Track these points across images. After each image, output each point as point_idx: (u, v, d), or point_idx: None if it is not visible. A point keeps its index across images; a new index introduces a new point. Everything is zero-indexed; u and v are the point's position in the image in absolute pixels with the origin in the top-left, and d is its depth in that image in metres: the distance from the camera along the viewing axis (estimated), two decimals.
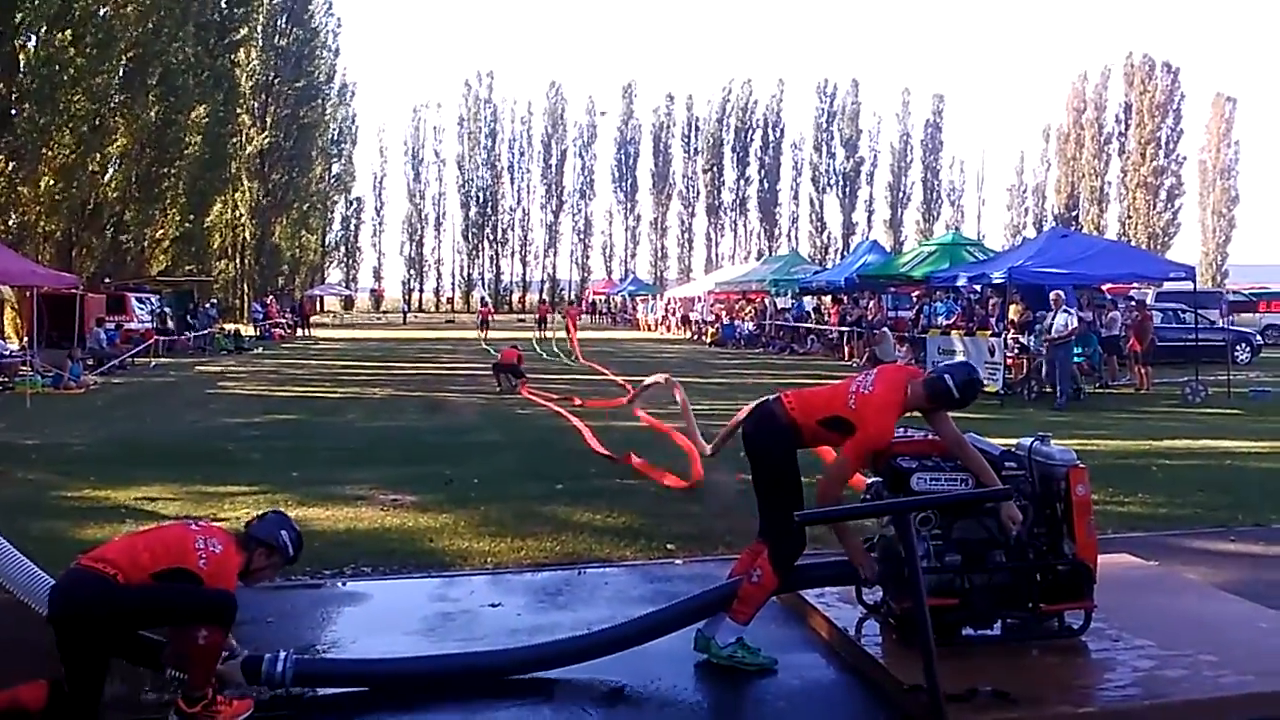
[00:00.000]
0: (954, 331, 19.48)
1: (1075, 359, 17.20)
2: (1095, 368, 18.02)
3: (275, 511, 4.40)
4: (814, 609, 5.07)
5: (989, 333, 18.33)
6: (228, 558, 3.94)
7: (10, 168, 26.38)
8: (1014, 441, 5.00)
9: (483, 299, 72.64)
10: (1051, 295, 16.58)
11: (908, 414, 4.49)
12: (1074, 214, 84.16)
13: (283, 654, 4.14)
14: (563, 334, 37.09)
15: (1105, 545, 5.85)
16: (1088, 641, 4.58)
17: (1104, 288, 25.26)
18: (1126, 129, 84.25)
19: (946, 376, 4.53)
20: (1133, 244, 63.98)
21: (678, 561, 6.34)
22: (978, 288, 22.03)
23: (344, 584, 5.97)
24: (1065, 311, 16.24)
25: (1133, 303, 22.30)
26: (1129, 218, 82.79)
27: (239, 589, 3.94)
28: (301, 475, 9.31)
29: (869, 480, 5.09)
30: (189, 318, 34.38)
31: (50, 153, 27.67)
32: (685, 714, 4.17)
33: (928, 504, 4.44)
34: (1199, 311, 19.80)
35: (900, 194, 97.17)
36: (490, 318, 46.90)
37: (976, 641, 4.56)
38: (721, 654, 4.51)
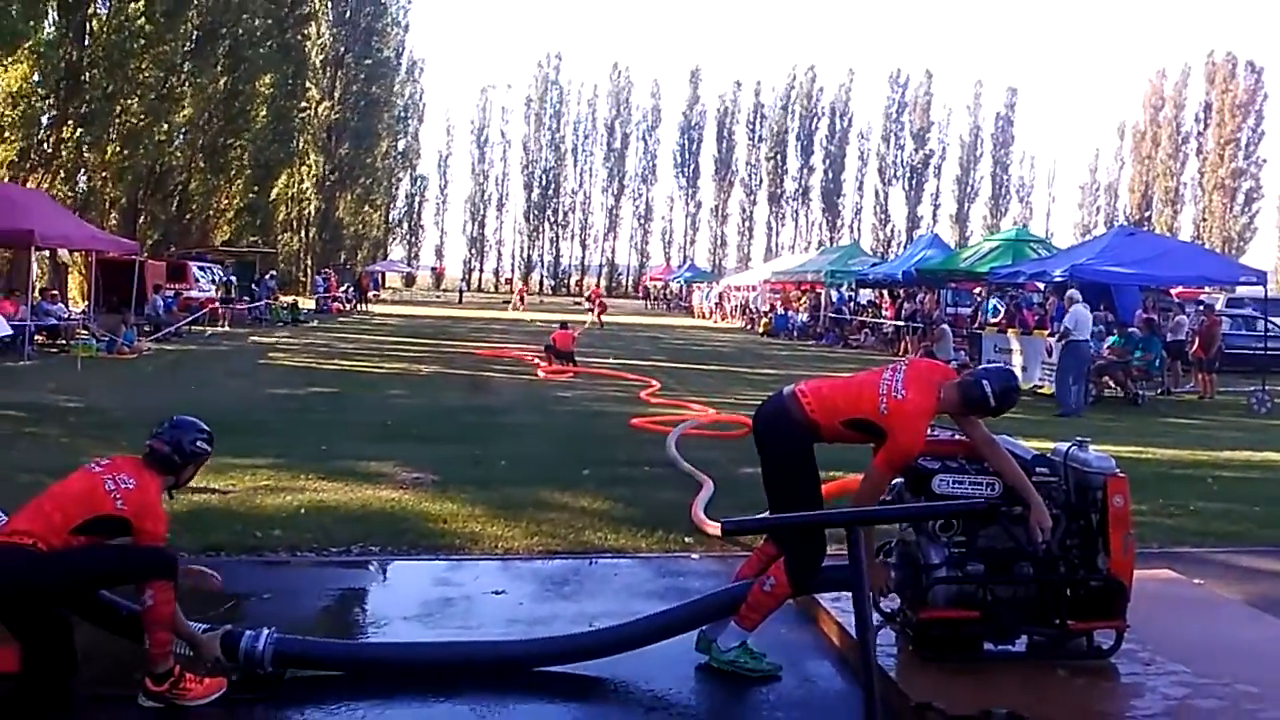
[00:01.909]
0: (1010, 330, 18.93)
1: (1134, 363, 16.57)
2: (1156, 373, 17.36)
3: (175, 420, 4.13)
4: (826, 613, 4.82)
5: (1046, 332, 17.77)
6: (144, 488, 3.79)
7: (79, 133, 26.82)
8: (1050, 445, 4.69)
9: (509, 279, 72.93)
10: (1067, 292, 15.87)
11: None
12: (1147, 214, 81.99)
13: (265, 631, 3.99)
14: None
15: (1148, 559, 5.52)
16: (1118, 664, 4.27)
17: (1172, 291, 24.47)
18: (1205, 129, 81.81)
19: (984, 383, 4.22)
20: (1206, 248, 62.09)
21: (693, 556, 6.10)
22: (1040, 285, 21.43)
23: (347, 562, 5.85)
24: (1078, 306, 15.08)
25: (1201, 307, 21.46)
26: (1204, 220, 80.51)
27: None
28: (329, 449, 9.24)
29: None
30: (252, 286, 34.89)
31: (118, 119, 28.10)
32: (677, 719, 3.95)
33: (882, 519, 4.23)
34: (1270, 319, 19.01)
35: (968, 188, 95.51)
36: (525, 296, 47.32)
37: (998, 658, 4.28)
38: (723, 658, 4.28)
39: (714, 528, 6.49)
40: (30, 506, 3.79)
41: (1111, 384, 16.84)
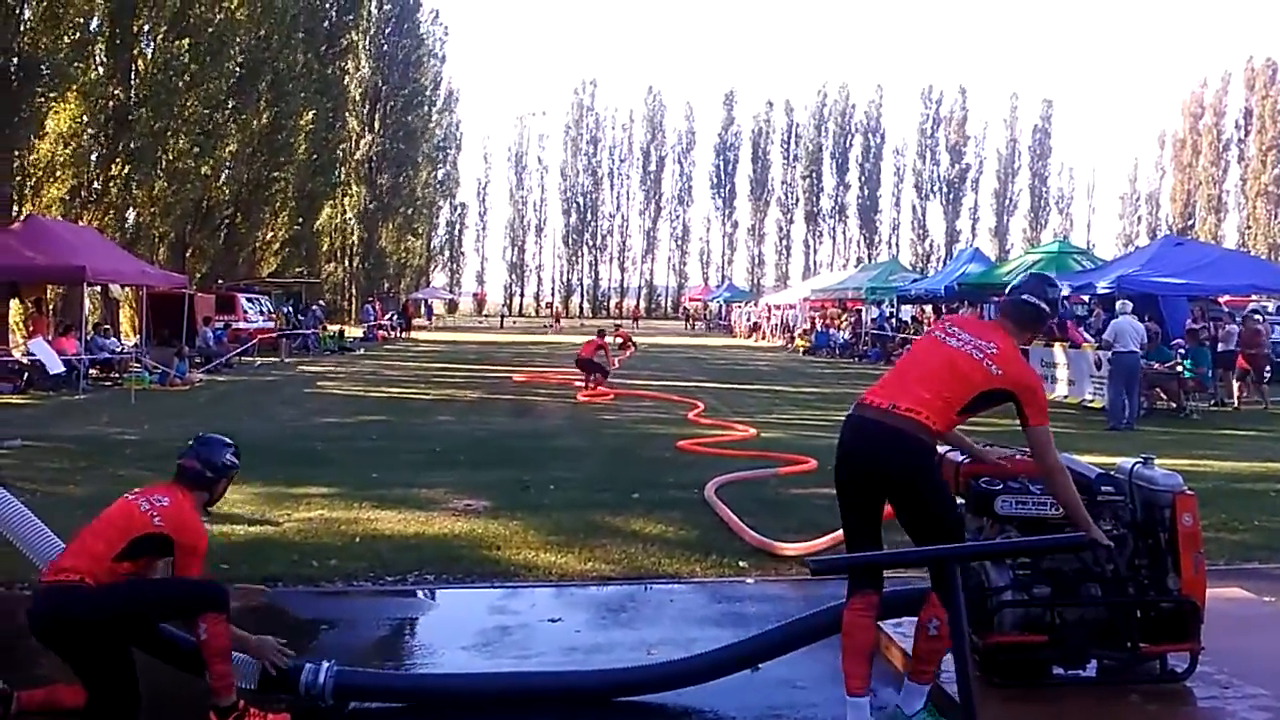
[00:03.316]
0: (1057, 344, 18.67)
1: (1186, 374, 16.28)
2: (1208, 384, 17.02)
3: (200, 437, 4.20)
4: (889, 639, 4.74)
5: (1094, 345, 17.51)
6: (179, 504, 3.82)
7: (127, 170, 27.37)
8: (1104, 460, 4.59)
9: (550, 303, 73.43)
10: (1118, 303, 15.58)
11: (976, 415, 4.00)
12: (1190, 223, 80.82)
13: (325, 664, 3.99)
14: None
15: (1215, 577, 5.36)
16: (1193, 688, 4.14)
17: (1221, 300, 24.03)
18: (1246, 135, 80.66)
19: (1025, 297, 4.09)
20: (1251, 255, 61.00)
21: (749, 580, 6.05)
22: (1085, 298, 21.16)
23: (403, 591, 5.87)
24: (1122, 318, 14.84)
25: (1249, 315, 20.93)
26: (1248, 228, 79.32)
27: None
28: (381, 477, 9.29)
29: None
30: (299, 317, 35.41)
31: (165, 156, 28.65)
32: None
33: (979, 555, 4.03)
34: None
35: (1006, 201, 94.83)
36: (561, 319, 47.72)
37: (1068, 683, 4.18)
38: None
39: (782, 549, 6.44)
40: (74, 543, 3.83)
41: (1164, 396, 16.55)
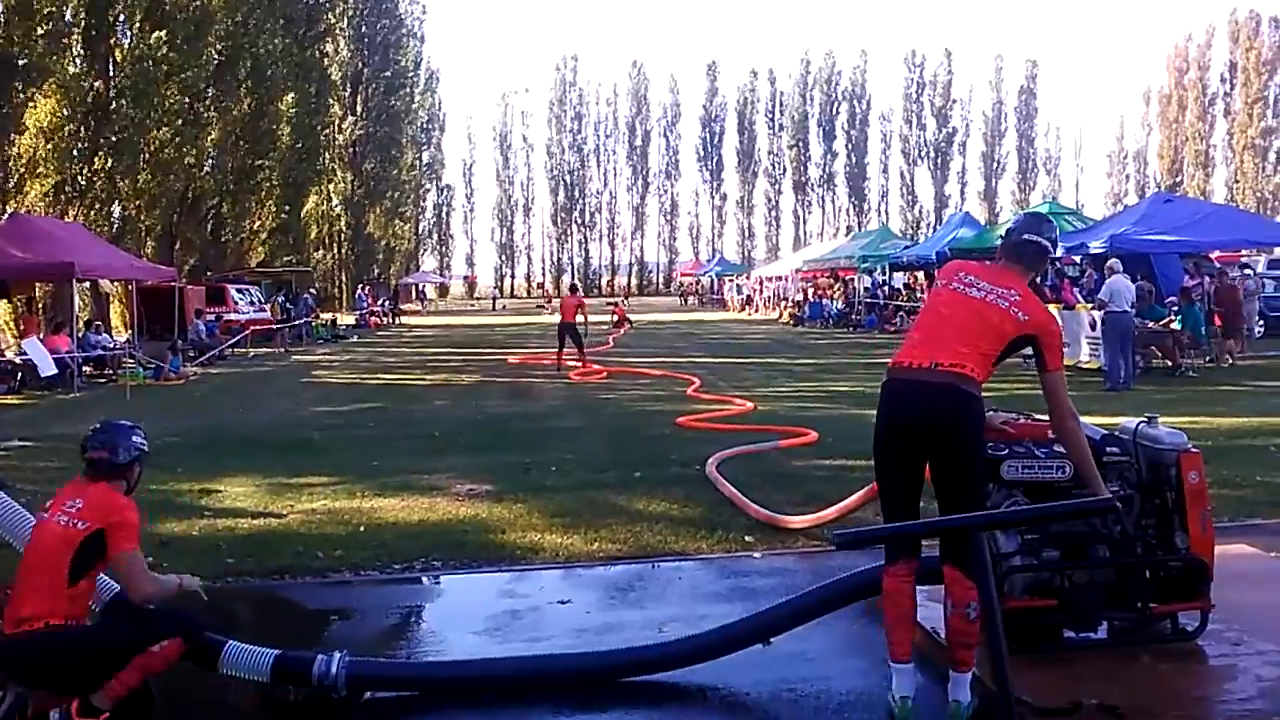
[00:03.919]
0: (1051, 305, 18.66)
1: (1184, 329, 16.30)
2: (1202, 341, 17.03)
3: (103, 424, 3.96)
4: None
5: (1089, 305, 17.51)
6: (93, 497, 3.65)
7: (110, 163, 27.18)
8: (1117, 423, 4.59)
9: (572, 286, 73.65)
10: (1108, 263, 15.57)
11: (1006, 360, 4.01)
12: (1178, 180, 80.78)
13: (336, 655, 3.95)
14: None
15: (1221, 535, 5.38)
16: (1205, 646, 4.16)
17: (1212, 255, 24.06)
18: (1232, 89, 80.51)
19: (1025, 236, 4.08)
20: (1241, 209, 61.00)
21: (756, 555, 6.05)
22: (1077, 258, 21.14)
23: (410, 578, 5.86)
24: (1115, 278, 14.74)
25: (1221, 271, 20.54)
26: (1236, 182, 79.28)
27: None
28: (382, 464, 9.27)
29: None
30: (289, 305, 35.32)
31: (147, 147, 28.45)
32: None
33: (1005, 523, 4.02)
34: None
35: (994, 164, 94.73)
36: (553, 300, 48.70)
37: (1079, 646, 4.18)
38: (968, 713, 3.79)
39: (789, 522, 6.44)
40: (18, 586, 3.62)
41: (1159, 355, 16.58)
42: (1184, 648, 4.15)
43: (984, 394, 3.81)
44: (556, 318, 20.38)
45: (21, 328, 20.91)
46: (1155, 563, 4.23)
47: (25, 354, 17.79)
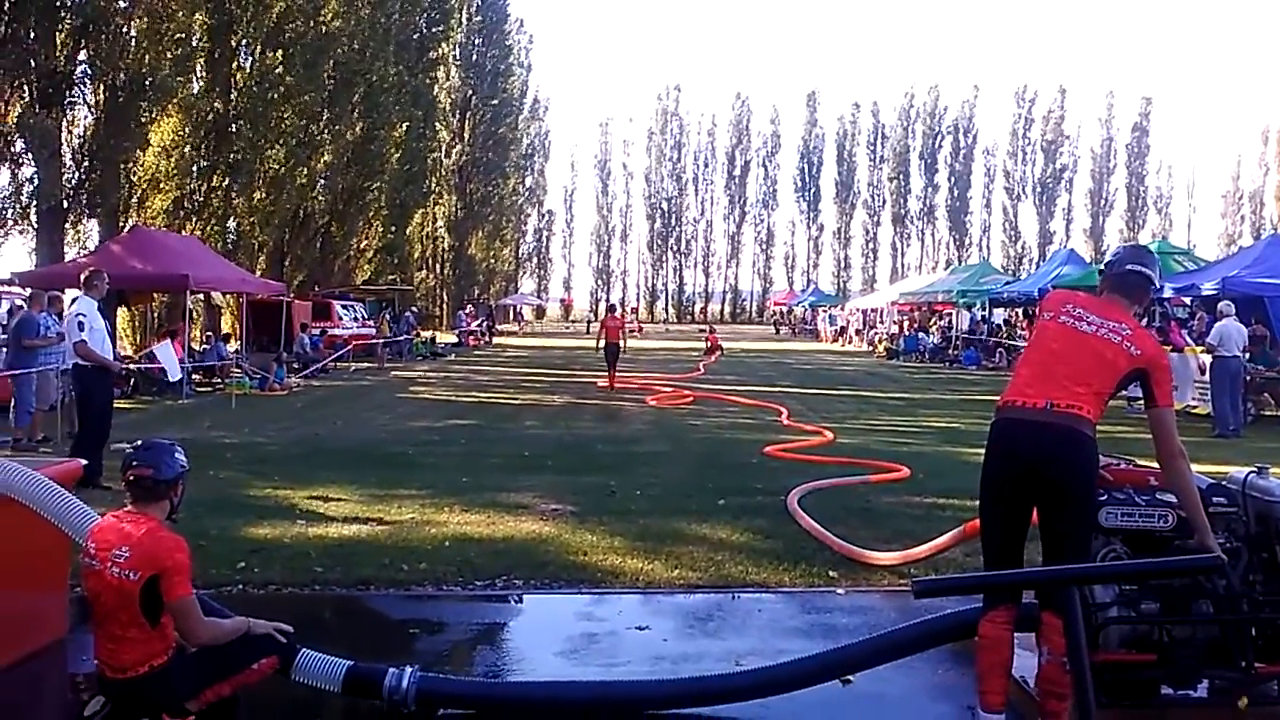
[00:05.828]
0: None
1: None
2: None
3: (145, 443, 3.81)
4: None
5: (1198, 349, 16.85)
6: (136, 542, 3.52)
7: (227, 181, 28.26)
8: (1225, 472, 4.39)
9: (610, 306, 73.81)
10: (1220, 304, 14.94)
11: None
12: None
13: (408, 669, 3.95)
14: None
15: None
16: None
17: None
18: None
19: (1129, 267, 3.98)
20: None
21: (839, 591, 5.93)
22: (1187, 300, 20.41)
23: (491, 596, 5.89)
24: (1225, 321, 14.21)
25: None
26: None
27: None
28: (471, 481, 9.39)
29: None
30: (391, 323, 36.23)
31: (262, 167, 29.50)
32: None
33: (1100, 578, 3.88)
34: None
35: (1102, 201, 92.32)
36: (643, 326, 48.91)
37: (1178, 704, 3.99)
38: None
39: (874, 558, 6.30)
40: (107, 637, 3.55)
41: (1271, 402, 15.86)
42: None
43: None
44: (624, 340, 20.61)
45: (161, 333, 21.56)
46: (1261, 620, 4.02)
47: (154, 358, 18.44)
